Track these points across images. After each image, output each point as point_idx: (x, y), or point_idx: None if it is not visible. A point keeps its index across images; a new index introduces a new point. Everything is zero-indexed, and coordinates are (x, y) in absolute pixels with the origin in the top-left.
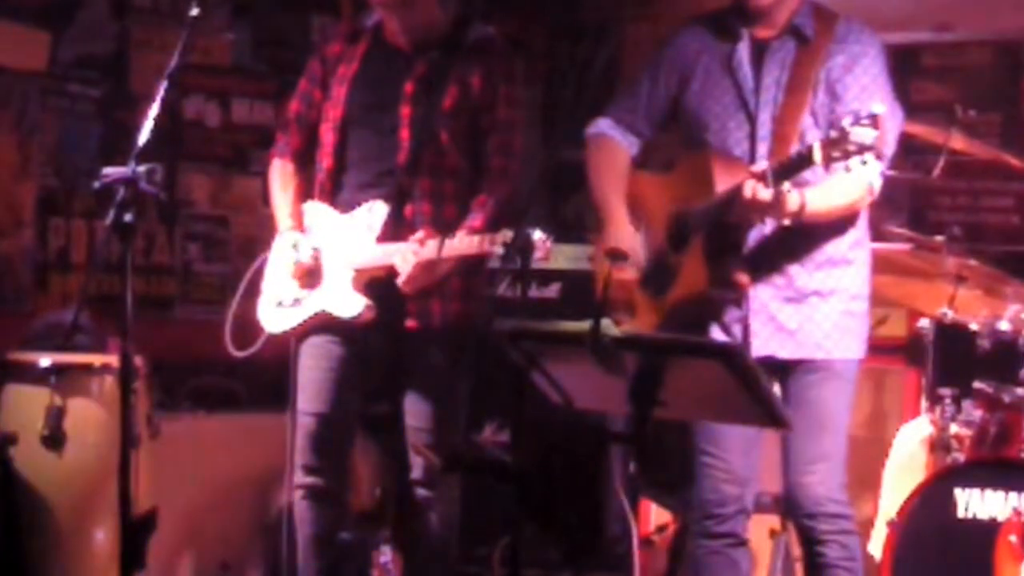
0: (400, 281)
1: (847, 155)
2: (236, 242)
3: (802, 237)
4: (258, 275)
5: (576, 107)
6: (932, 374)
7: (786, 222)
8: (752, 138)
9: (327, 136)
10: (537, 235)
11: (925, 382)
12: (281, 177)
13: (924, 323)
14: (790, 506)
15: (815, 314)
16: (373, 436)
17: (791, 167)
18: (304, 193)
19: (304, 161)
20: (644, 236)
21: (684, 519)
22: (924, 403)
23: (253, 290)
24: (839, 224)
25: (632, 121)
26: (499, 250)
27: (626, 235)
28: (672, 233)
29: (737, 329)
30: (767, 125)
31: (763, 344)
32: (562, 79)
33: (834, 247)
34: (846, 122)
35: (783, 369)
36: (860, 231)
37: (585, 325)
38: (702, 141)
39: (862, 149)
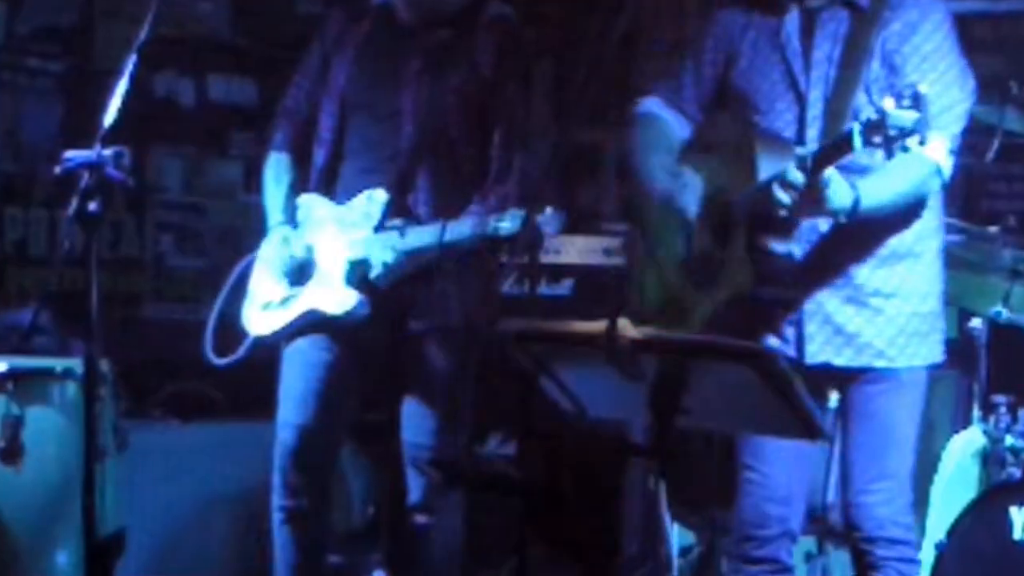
0: (374, 274)
1: (889, 141)
2: (213, 233)
3: (862, 229)
4: (243, 277)
5: (591, 83)
6: (985, 380)
7: (841, 219)
8: (802, 120)
9: (324, 122)
10: (548, 211)
11: (977, 389)
12: (275, 171)
13: (976, 323)
14: (847, 527)
15: (877, 317)
16: (366, 447)
17: (829, 154)
18: (301, 187)
19: (302, 153)
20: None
21: (710, 540)
22: (976, 412)
23: (237, 291)
24: (904, 213)
25: (678, 103)
26: (504, 227)
27: (669, 225)
28: (715, 224)
29: (790, 333)
30: (818, 105)
31: (818, 350)
32: (576, 52)
33: (898, 239)
34: (887, 103)
35: (843, 378)
36: (930, 219)
37: (600, 325)
38: (750, 124)
39: (903, 134)
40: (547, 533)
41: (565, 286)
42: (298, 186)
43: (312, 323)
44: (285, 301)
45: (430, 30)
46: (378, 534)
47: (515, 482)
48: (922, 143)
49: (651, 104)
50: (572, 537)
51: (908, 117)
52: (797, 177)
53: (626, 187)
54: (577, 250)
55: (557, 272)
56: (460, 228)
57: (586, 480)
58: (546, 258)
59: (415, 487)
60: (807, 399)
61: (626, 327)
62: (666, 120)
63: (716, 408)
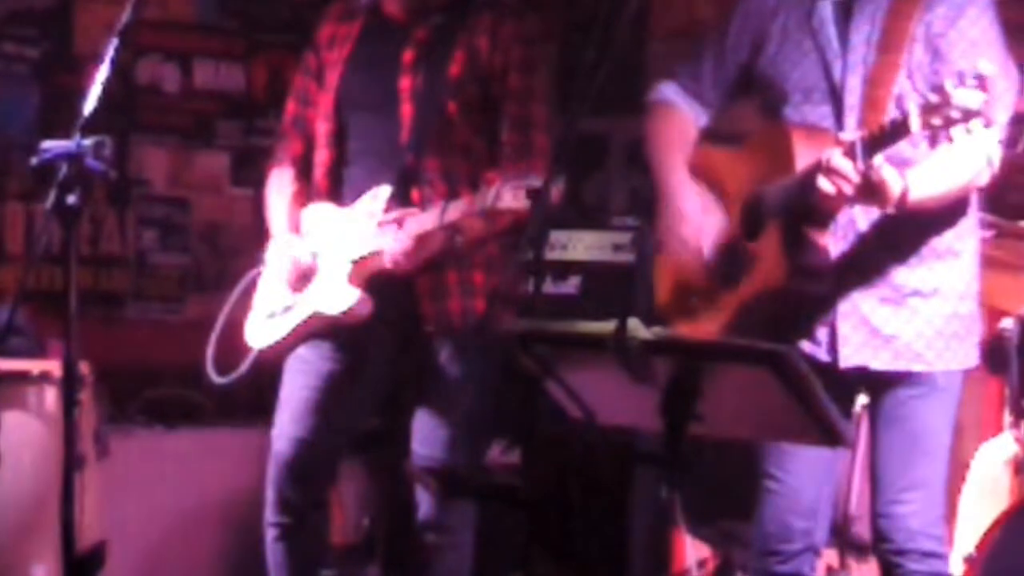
0: (386, 260)
1: (949, 122)
2: (198, 228)
3: (903, 225)
4: (246, 296)
5: (598, 70)
6: (1017, 383)
7: (889, 210)
8: (839, 109)
9: (321, 126)
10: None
11: (1009, 393)
12: (278, 184)
13: (1007, 323)
14: (876, 538)
15: (916, 318)
16: (362, 456)
17: (884, 137)
18: (306, 197)
19: (304, 166)
20: (714, 220)
21: (725, 553)
22: (1007, 417)
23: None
24: (951, 208)
25: (697, 90)
26: (504, 200)
27: (687, 217)
28: (746, 218)
29: (823, 334)
30: (856, 92)
31: (854, 352)
32: (582, 37)
33: (938, 237)
34: (948, 84)
35: (875, 382)
36: (968, 216)
37: (609, 325)
38: (781, 114)
39: (967, 115)
40: (552, 546)
41: (571, 284)
42: (302, 197)
43: (315, 328)
44: (288, 308)
45: (421, 20)
46: (373, 547)
47: (519, 492)
48: (987, 125)
49: (668, 90)
50: (578, 550)
51: (975, 98)
52: (844, 164)
53: (635, 179)
54: (584, 246)
55: (563, 269)
56: (459, 204)
57: (593, 490)
58: (551, 254)
59: (425, 503)
60: (828, 403)
61: (636, 328)
62: (682, 109)
63: (731, 413)
